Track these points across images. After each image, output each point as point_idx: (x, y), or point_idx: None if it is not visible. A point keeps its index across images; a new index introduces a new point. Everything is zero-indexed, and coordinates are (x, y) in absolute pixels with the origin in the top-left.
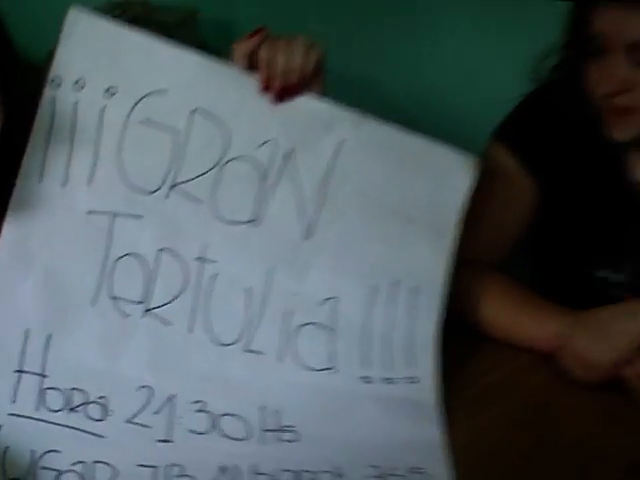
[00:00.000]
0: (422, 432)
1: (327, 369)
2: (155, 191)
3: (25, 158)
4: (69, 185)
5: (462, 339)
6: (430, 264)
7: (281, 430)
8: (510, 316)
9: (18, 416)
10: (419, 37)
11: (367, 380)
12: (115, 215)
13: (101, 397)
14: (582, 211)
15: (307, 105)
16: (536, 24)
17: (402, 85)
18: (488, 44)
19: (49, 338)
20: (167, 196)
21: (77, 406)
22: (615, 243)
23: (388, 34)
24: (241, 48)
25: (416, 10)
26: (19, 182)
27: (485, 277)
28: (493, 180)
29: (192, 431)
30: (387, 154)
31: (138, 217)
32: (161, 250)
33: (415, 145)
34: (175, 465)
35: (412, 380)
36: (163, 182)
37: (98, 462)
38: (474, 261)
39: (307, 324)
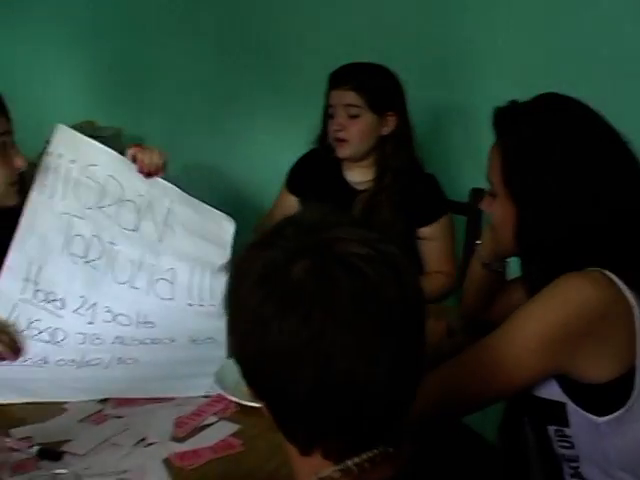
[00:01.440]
0: (217, 324)
1: (170, 299)
2: (89, 208)
3: (33, 186)
4: (54, 198)
5: None
6: (217, 258)
7: (147, 322)
8: None
9: (23, 301)
10: None
11: (190, 304)
12: (72, 216)
13: (62, 298)
14: (321, 197)
15: (158, 181)
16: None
17: None
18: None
19: (39, 269)
20: (95, 212)
21: (51, 300)
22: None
23: None
24: (130, 151)
25: None
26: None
27: None
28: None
29: (104, 320)
30: (197, 208)
31: (82, 218)
32: (93, 235)
33: (206, 209)
34: (95, 334)
35: (212, 305)
36: (94, 205)
37: (57, 329)
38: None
39: (160, 279)
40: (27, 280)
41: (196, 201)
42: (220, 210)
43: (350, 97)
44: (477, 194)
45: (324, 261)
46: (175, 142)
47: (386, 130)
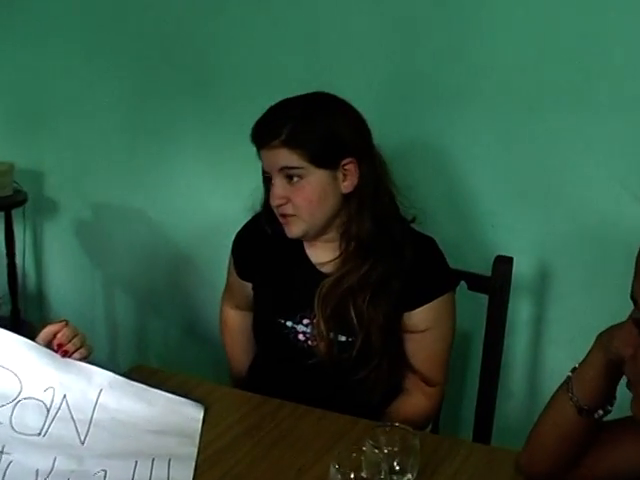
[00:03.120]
0: None
1: None
2: None
3: None
4: None
5: None
6: (180, 448)
7: None
8: None
9: None
10: None
11: None
12: None
13: None
14: (278, 284)
15: (79, 366)
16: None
17: None
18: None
19: None
20: None
21: None
22: (295, 302)
23: None
24: (46, 329)
25: None
26: None
27: None
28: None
29: None
30: (146, 397)
31: None
32: None
33: (162, 397)
34: None
35: None
36: None
37: None
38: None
39: None
40: None
41: (143, 387)
42: (186, 398)
43: (284, 156)
44: (503, 264)
45: None
46: (82, 179)
47: (347, 186)
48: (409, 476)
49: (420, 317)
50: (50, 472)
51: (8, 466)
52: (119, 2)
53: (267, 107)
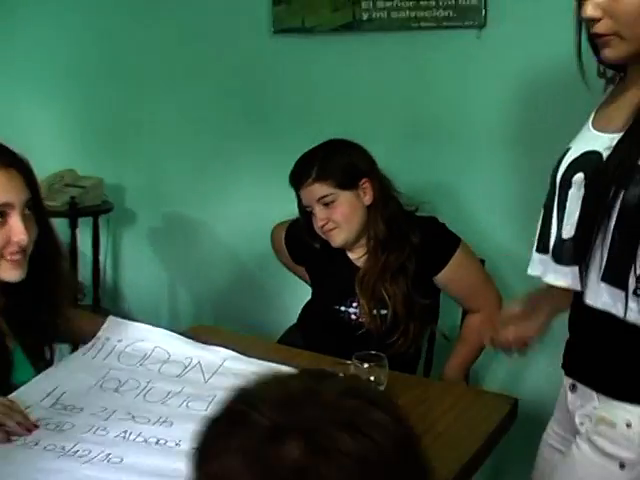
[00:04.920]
0: None
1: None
2: (130, 365)
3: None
4: (95, 359)
5: None
6: None
7: (166, 422)
8: None
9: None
10: None
11: None
12: (110, 368)
13: (82, 407)
14: (327, 275)
15: (211, 348)
16: None
17: None
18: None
19: (63, 392)
20: (135, 367)
21: (70, 409)
22: (344, 291)
23: None
24: None
25: None
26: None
27: None
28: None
29: (120, 419)
30: (258, 366)
31: (120, 370)
32: (130, 378)
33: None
34: (104, 426)
35: None
36: (135, 363)
37: (67, 422)
38: None
39: (199, 400)
40: (48, 395)
41: (259, 361)
42: None
43: (318, 189)
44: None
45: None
46: (157, 195)
47: (368, 199)
48: (382, 387)
49: (447, 274)
50: (178, 393)
51: (150, 389)
52: (200, 51)
53: (304, 150)
